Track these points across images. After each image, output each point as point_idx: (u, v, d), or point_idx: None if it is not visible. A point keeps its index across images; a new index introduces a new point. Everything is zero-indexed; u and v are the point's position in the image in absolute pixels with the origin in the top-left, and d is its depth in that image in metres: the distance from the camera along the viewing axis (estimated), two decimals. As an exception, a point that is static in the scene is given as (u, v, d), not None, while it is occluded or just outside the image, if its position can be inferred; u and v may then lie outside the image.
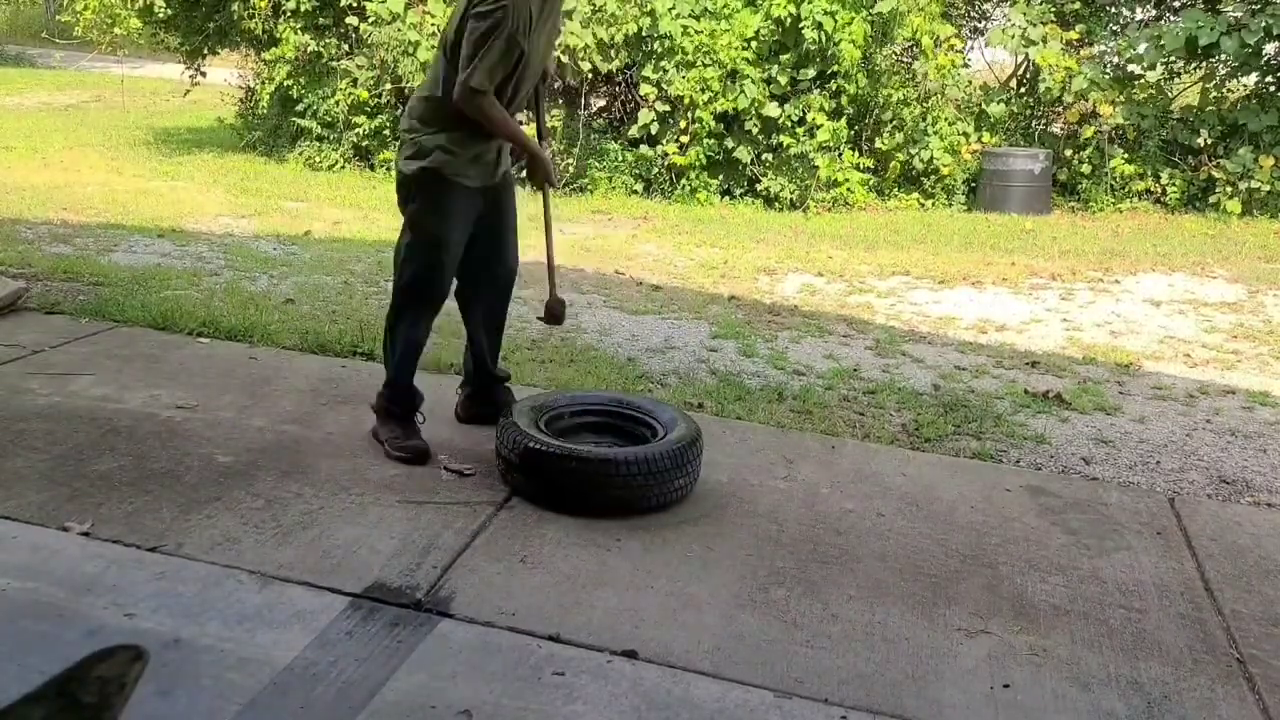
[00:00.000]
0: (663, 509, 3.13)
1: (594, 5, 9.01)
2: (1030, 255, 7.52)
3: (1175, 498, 3.56)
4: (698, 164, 9.16)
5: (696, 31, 8.97)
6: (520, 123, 3.64)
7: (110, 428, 3.54)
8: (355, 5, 9.68)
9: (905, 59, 9.59)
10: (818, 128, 8.88)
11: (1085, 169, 9.64)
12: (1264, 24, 8.96)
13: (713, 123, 9.01)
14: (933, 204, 9.56)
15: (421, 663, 2.35)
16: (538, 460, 3.09)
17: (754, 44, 9.03)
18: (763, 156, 9.31)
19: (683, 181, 9.21)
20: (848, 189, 9.14)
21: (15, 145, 10.65)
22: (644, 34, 9.01)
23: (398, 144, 3.39)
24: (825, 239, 7.95)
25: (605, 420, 3.51)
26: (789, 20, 8.94)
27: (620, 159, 9.53)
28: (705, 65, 8.93)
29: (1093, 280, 6.82)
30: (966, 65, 10.16)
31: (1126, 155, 9.48)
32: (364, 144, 10.08)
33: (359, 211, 8.23)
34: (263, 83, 10.91)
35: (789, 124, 9.02)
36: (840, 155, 9.02)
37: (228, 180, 9.44)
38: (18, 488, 3.06)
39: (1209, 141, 9.51)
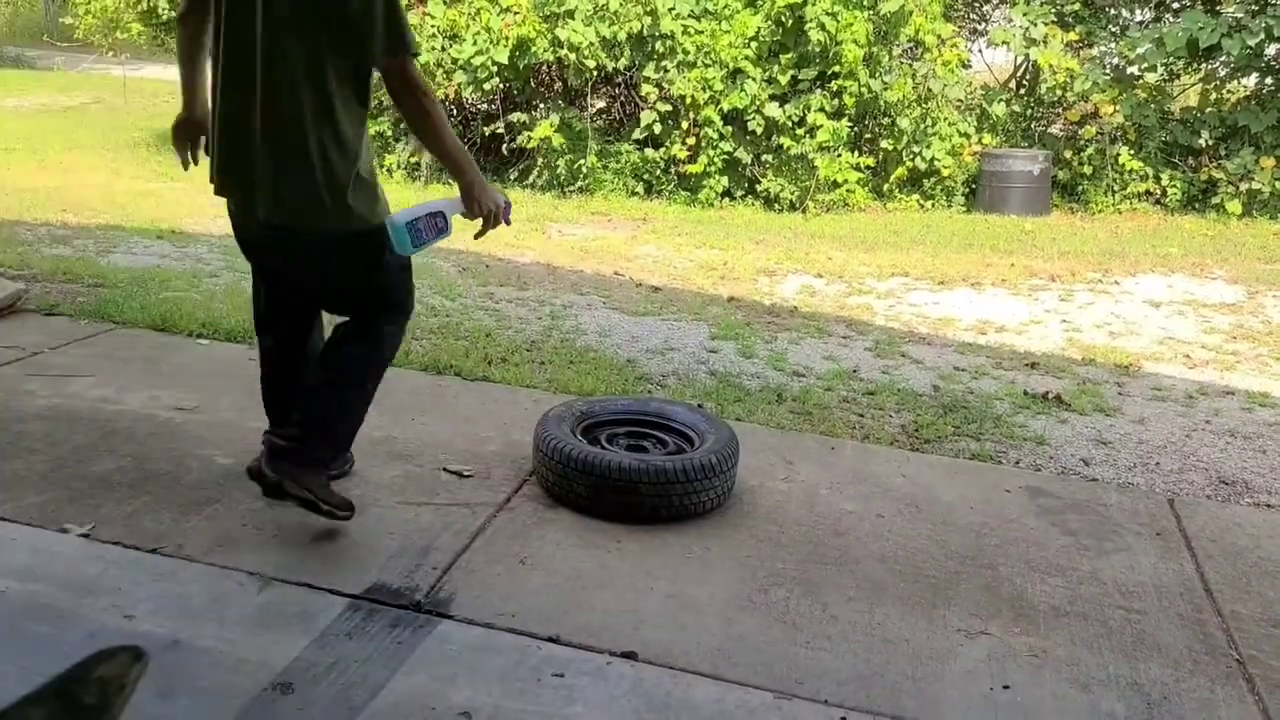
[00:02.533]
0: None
1: (595, 3, 9.02)
2: (1029, 256, 7.52)
3: (1174, 499, 3.56)
4: (713, 169, 9.16)
5: (697, 31, 8.98)
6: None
7: (110, 429, 3.54)
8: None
9: (906, 59, 9.60)
10: (817, 128, 8.89)
11: (1086, 170, 9.65)
12: (1265, 25, 8.96)
13: (721, 124, 9.02)
14: (932, 205, 9.56)
15: (421, 664, 2.35)
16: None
17: (754, 44, 9.04)
18: (762, 157, 9.31)
19: (704, 191, 9.20)
20: (847, 190, 9.14)
21: (15, 147, 10.65)
22: (645, 34, 9.02)
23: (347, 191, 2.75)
24: (825, 240, 7.95)
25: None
26: (790, 20, 8.95)
27: (625, 160, 9.53)
28: (706, 65, 8.93)
29: (1092, 281, 6.82)
30: (968, 66, 10.17)
31: (1131, 153, 9.48)
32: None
33: (359, 213, 8.22)
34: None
35: (789, 125, 9.03)
36: (839, 155, 9.03)
37: (227, 182, 9.43)
38: (17, 489, 3.06)
39: (1209, 143, 9.51)
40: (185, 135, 3.02)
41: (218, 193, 2.86)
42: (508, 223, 2.97)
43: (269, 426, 3.03)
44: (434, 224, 2.83)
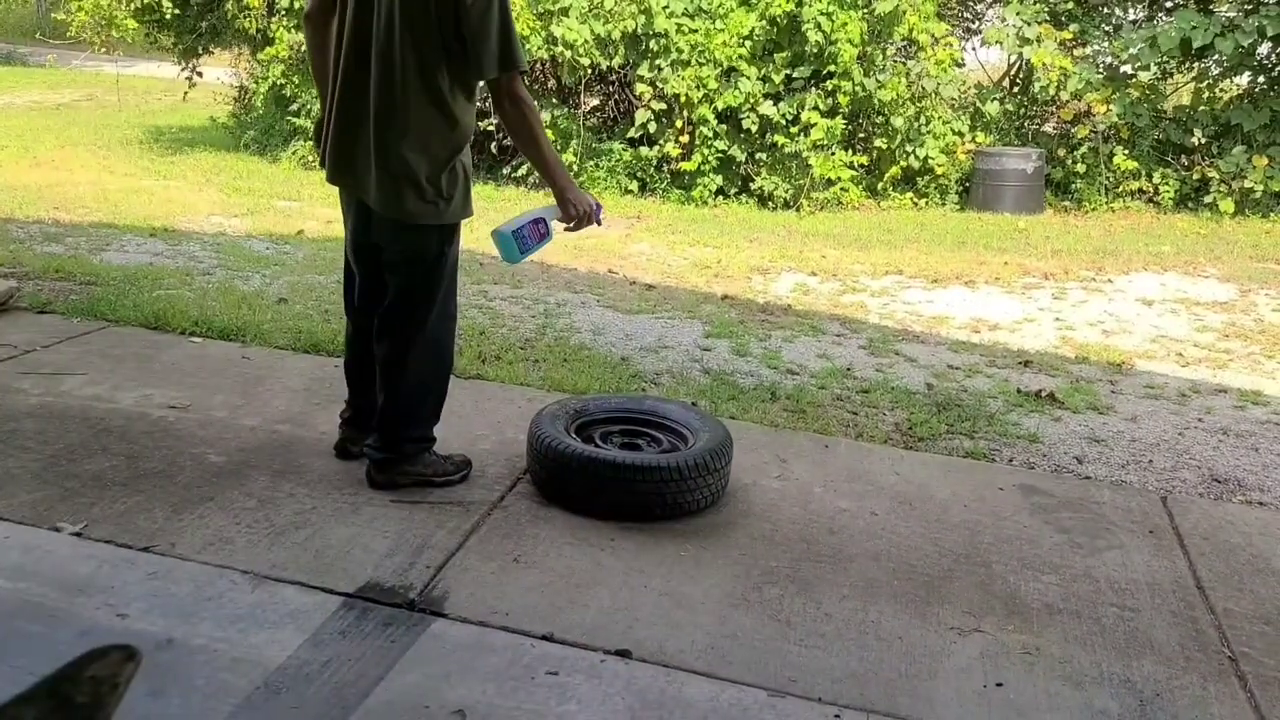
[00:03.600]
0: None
1: (590, 1, 9.01)
2: (1023, 254, 7.54)
3: (1167, 496, 3.57)
4: (707, 167, 9.16)
5: (691, 30, 8.98)
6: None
7: (102, 427, 3.53)
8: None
9: (900, 58, 9.60)
10: (812, 126, 8.90)
11: (1079, 168, 9.66)
12: (1257, 24, 8.98)
13: (715, 122, 9.02)
14: (926, 203, 9.58)
15: (415, 662, 2.35)
16: None
17: (749, 43, 9.04)
18: (756, 155, 9.32)
19: (697, 189, 9.20)
20: (841, 188, 9.15)
21: (7, 144, 10.62)
22: (639, 32, 9.01)
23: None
24: (819, 238, 7.96)
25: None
26: (784, 20, 8.95)
27: (618, 159, 9.53)
28: (701, 64, 8.93)
29: (1085, 279, 6.84)
30: (961, 65, 10.18)
31: (1125, 152, 9.50)
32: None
33: (352, 211, 8.21)
34: (256, 81, 10.88)
35: (783, 123, 9.04)
36: (833, 154, 9.04)
37: (220, 179, 9.42)
38: (9, 488, 3.05)
39: (1202, 141, 9.53)
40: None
41: (329, 180, 3.10)
42: (599, 223, 3.20)
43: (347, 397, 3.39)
44: (537, 231, 3.06)
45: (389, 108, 2.90)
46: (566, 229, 3.12)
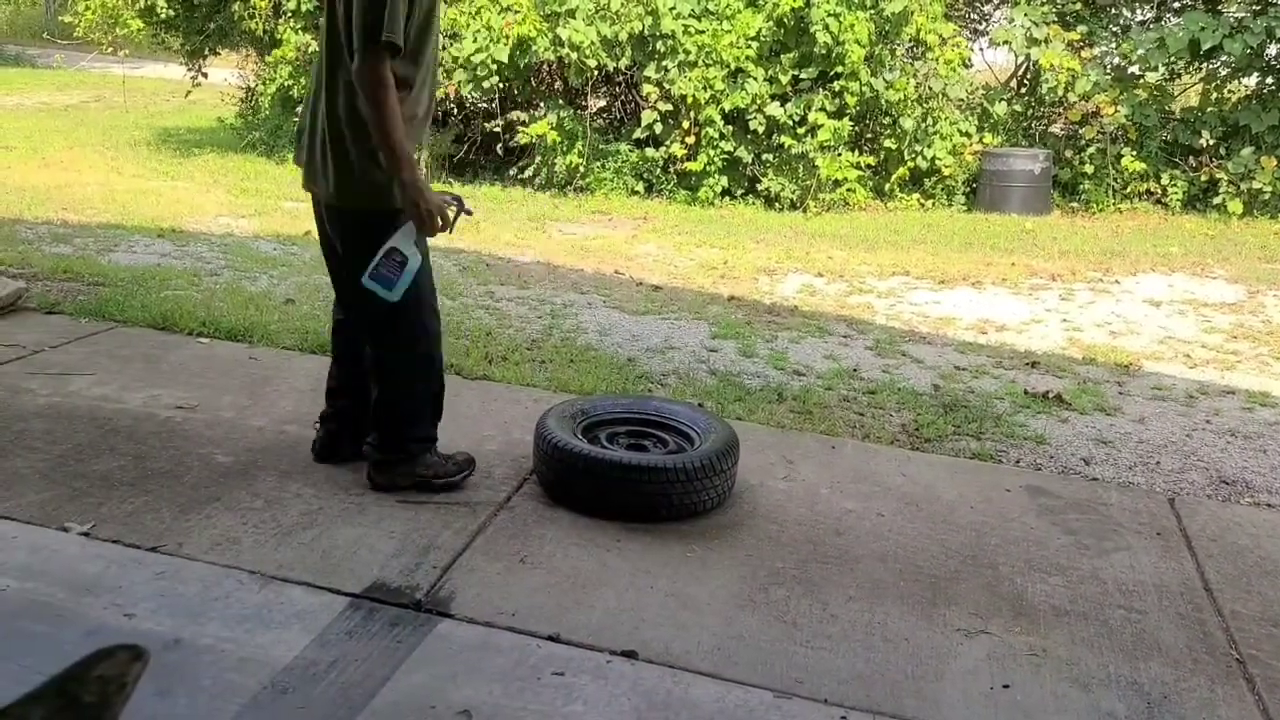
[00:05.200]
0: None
1: (597, 3, 9.02)
2: (1030, 255, 7.52)
3: (1175, 498, 3.56)
4: (713, 168, 9.16)
5: (698, 31, 8.97)
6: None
7: (110, 428, 3.54)
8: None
9: (907, 58, 9.59)
10: (819, 127, 8.89)
11: (1087, 169, 9.64)
12: (1266, 25, 8.96)
13: (721, 124, 9.02)
14: (933, 204, 9.56)
15: (421, 663, 2.35)
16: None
17: (755, 44, 9.04)
18: (763, 156, 9.31)
19: (703, 190, 9.20)
20: (848, 189, 9.14)
21: (15, 145, 10.66)
22: (645, 33, 9.01)
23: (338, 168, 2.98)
24: (825, 239, 7.95)
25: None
26: (791, 20, 8.95)
27: (624, 160, 9.54)
28: (707, 65, 8.93)
29: (1093, 280, 6.82)
30: (969, 65, 10.16)
31: (1134, 153, 9.48)
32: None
33: (359, 211, 8.22)
34: (263, 83, 10.91)
35: (790, 124, 9.03)
36: (839, 154, 9.03)
37: (228, 180, 9.45)
38: (17, 488, 3.06)
39: (1210, 142, 9.51)
40: None
41: (303, 187, 3.20)
42: (469, 212, 3.13)
43: (325, 402, 3.37)
44: (393, 261, 2.94)
45: (330, 99, 2.97)
46: (425, 232, 2.95)
